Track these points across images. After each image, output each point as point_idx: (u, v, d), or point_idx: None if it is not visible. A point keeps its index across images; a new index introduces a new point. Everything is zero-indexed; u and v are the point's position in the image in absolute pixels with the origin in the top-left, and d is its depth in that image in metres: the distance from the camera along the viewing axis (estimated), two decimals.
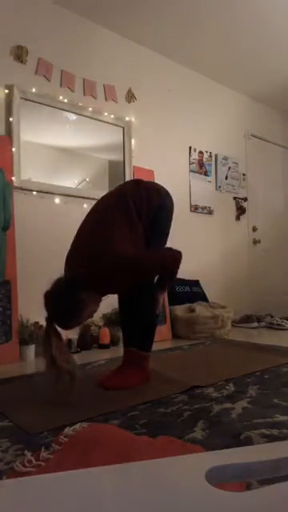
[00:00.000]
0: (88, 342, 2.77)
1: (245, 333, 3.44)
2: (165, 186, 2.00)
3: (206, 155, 3.94)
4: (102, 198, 1.94)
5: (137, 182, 1.99)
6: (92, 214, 1.87)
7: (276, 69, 3.86)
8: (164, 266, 1.78)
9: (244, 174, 4.33)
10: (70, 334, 2.74)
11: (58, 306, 1.63)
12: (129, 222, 1.76)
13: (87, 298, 1.63)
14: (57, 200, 2.87)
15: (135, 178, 3.22)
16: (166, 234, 1.94)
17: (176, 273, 1.83)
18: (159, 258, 1.79)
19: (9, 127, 2.64)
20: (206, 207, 3.91)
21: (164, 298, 1.86)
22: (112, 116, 3.18)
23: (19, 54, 2.71)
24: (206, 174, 3.93)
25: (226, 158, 4.12)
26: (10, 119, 2.64)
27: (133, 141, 3.31)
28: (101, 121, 3.14)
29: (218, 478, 0.56)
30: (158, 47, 3.48)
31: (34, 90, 2.75)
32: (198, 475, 0.55)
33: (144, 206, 1.82)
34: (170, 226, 1.96)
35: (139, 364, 1.81)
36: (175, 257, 1.76)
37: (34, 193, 2.75)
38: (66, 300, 1.61)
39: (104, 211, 1.83)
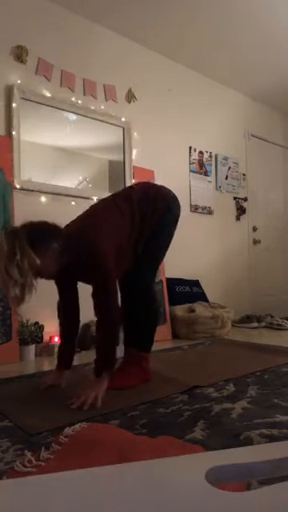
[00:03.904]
0: (88, 342, 2.77)
1: (245, 333, 3.44)
2: (165, 186, 1.99)
3: (206, 155, 3.94)
4: (113, 195, 1.92)
5: (145, 187, 1.95)
6: (96, 207, 1.88)
7: (276, 69, 3.86)
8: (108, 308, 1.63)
9: (244, 174, 4.33)
10: None
11: (34, 227, 1.62)
12: (129, 223, 1.76)
13: (55, 248, 1.59)
14: (57, 200, 2.87)
15: (136, 178, 3.23)
16: (169, 237, 1.93)
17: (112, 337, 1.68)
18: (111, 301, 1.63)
19: (9, 127, 2.64)
20: (206, 207, 3.91)
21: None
22: (112, 116, 3.18)
23: (19, 54, 2.71)
24: (206, 174, 3.93)
25: (226, 158, 4.12)
26: (10, 119, 2.64)
27: (133, 141, 3.31)
28: (101, 121, 3.14)
29: (218, 478, 0.56)
30: (157, 47, 3.48)
31: (34, 90, 2.76)
32: (198, 475, 0.55)
33: (149, 211, 1.82)
34: (173, 229, 1.94)
35: (139, 364, 1.82)
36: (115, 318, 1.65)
37: (34, 193, 2.75)
38: (43, 227, 1.66)
39: (107, 207, 1.82)
